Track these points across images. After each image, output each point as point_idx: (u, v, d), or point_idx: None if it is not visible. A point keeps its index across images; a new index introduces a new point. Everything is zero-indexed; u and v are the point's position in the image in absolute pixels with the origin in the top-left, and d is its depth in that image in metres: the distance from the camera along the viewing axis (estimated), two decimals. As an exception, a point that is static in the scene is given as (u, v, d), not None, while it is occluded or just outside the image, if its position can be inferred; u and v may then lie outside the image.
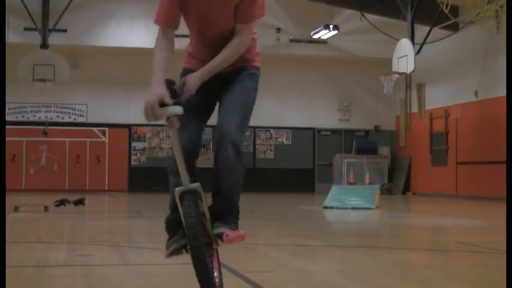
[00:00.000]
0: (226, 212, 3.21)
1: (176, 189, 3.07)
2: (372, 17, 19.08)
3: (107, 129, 21.31)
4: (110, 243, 6.46)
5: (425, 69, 18.78)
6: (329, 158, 21.77)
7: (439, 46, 18.22)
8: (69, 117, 21.19)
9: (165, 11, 3.25)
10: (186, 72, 3.34)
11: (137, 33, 19.80)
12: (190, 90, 3.14)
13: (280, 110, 22.15)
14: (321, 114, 22.57)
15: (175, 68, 3.30)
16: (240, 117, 3.22)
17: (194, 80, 3.17)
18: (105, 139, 21.27)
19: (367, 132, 22.98)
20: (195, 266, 2.92)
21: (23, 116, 20.80)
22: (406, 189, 21.60)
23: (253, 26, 3.31)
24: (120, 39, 20.17)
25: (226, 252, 5.31)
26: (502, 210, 12.01)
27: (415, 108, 21.06)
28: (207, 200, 3.18)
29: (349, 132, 22.81)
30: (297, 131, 22.54)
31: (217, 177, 3.22)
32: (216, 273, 3.11)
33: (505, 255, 5.14)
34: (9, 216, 9.36)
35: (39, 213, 10.35)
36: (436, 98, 20.12)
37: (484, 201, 16.30)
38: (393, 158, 22.41)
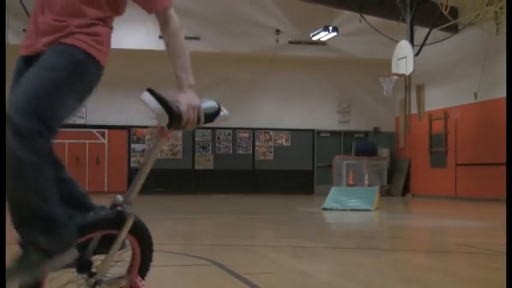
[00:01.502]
0: (23, 221, 2.59)
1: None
2: (371, 19, 19.07)
3: (106, 130, 21.31)
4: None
5: (424, 70, 18.79)
6: (328, 159, 21.76)
7: (438, 47, 18.22)
8: (68, 119, 21.17)
9: None
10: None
11: (136, 35, 19.78)
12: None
13: (280, 111, 22.15)
14: (320, 116, 22.57)
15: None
16: (25, 92, 2.64)
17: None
18: (105, 141, 21.27)
19: (366, 133, 22.98)
20: None
21: (22, 118, 20.81)
22: (406, 190, 21.59)
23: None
24: (118, 40, 19.96)
25: (225, 253, 5.31)
26: (501, 211, 12.01)
27: (414, 110, 21.08)
28: None
29: (349, 133, 22.82)
30: (296, 133, 22.53)
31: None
32: None
33: (505, 256, 5.13)
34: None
35: (38, 214, 10.32)
36: (436, 100, 20.13)
37: (484, 203, 16.30)
38: (393, 160, 22.40)
